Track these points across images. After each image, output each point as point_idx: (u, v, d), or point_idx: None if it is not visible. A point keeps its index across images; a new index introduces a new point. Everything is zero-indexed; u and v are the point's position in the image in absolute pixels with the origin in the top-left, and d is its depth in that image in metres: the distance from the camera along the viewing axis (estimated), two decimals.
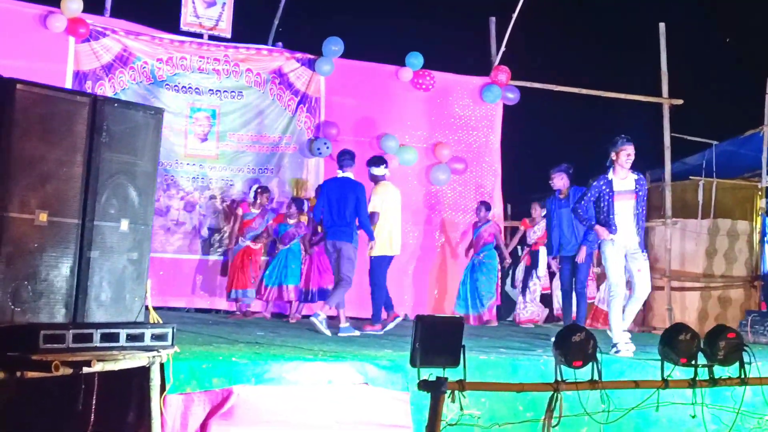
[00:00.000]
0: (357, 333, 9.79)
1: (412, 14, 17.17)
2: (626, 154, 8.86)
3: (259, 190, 12.00)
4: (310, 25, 14.90)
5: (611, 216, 8.82)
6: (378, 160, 10.93)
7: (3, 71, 5.70)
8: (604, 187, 8.86)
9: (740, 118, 15.40)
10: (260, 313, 11.97)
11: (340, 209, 9.98)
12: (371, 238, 10.17)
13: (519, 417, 7.15)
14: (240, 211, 11.94)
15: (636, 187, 8.93)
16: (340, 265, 10.03)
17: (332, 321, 10.06)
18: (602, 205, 8.87)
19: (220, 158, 12.61)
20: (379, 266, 10.66)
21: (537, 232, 12.91)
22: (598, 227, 8.83)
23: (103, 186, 5.85)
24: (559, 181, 10.53)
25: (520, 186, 14.83)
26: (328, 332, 9.58)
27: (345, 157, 10.30)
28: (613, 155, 8.89)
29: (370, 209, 10.48)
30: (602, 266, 12.30)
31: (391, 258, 10.74)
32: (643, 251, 8.94)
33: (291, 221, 11.89)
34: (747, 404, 7.12)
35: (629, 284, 8.94)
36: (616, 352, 8.65)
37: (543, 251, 12.86)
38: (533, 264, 12.99)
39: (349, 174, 10.20)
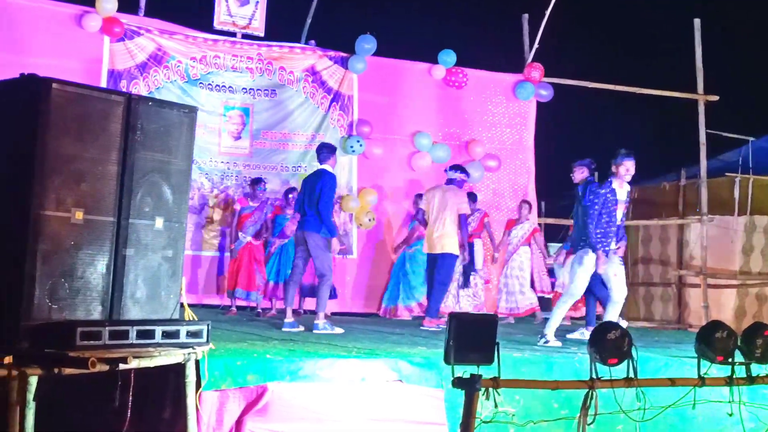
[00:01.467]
0: (300, 328, 9.57)
1: (445, 12, 17.18)
2: (625, 168, 8.94)
3: (254, 183, 11.87)
4: (343, 23, 14.92)
5: (612, 224, 8.93)
6: (453, 167, 11.18)
7: (39, 70, 5.75)
8: (609, 195, 8.95)
9: None
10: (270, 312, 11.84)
11: (310, 200, 9.86)
12: (330, 233, 9.89)
13: (554, 414, 7.12)
14: (238, 207, 11.77)
15: (627, 198, 9.14)
16: (313, 257, 9.87)
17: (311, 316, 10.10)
18: (605, 213, 8.95)
19: (253, 156, 12.65)
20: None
21: (471, 223, 12.50)
22: (601, 254, 8.85)
23: (137, 184, 5.89)
24: (579, 175, 10.41)
25: (555, 183, 14.77)
26: (339, 330, 9.61)
27: (323, 151, 10.13)
28: (613, 168, 8.99)
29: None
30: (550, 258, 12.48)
31: (426, 255, 10.93)
32: (617, 255, 9.16)
33: (289, 212, 11.73)
34: None
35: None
36: (545, 342, 8.93)
37: (478, 243, 12.69)
38: (470, 257, 12.54)
39: (325, 166, 10.00)
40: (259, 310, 11.72)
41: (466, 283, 12.52)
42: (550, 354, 8.07)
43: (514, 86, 13.81)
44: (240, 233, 11.63)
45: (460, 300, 12.50)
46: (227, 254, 11.97)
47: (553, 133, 14.68)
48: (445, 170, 11.31)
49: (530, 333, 10.57)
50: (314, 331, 9.48)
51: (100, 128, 5.70)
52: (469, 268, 12.41)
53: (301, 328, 9.54)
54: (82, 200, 5.58)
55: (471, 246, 12.44)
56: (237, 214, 11.73)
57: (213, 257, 12.31)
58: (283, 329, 9.44)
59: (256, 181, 11.87)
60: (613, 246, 8.94)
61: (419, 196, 12.35)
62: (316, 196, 9.74)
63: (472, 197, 12.60)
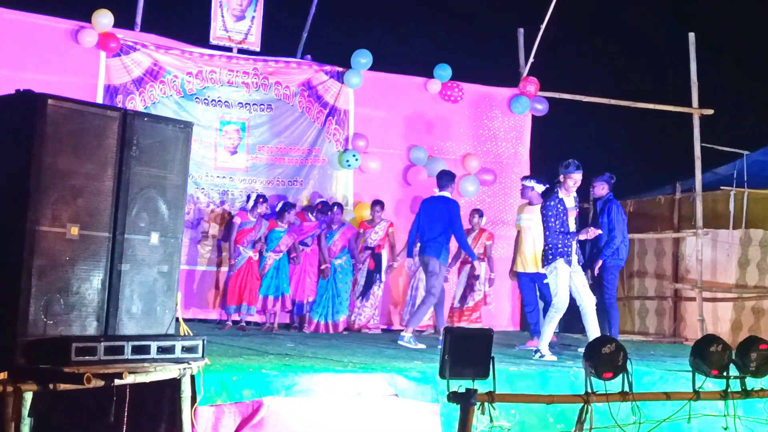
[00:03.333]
0: (421, 346, 9.85)
1: (441, 26, 17.20)
2: (573, 181, 9.23)
3: (260, 200, 11.74)
4: (339, 37, 14.96)
5: (568, 233, 9.12)
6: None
7: (35, 86, 5.77)
8: (559, 206, 9.19)
9: None
10: (265, 326, 11.77)
11: (432, 225, 10.25)
12: (471, 255, 10.58)
13: (549, 429, 7.13)
14: (238, 220, 11.65)
15: (575, 204, 9.35)
16: (426, 277, 10.34)
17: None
18: (558, 223, 9.17)
19: (249, 171, 12.67)
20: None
21: (378, 232, 12.33)
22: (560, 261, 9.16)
23: (133, 199, 5.91)
24: (600, 191, 10.53)
25: None
26: (421, 345, 9.87)
27: (443, 178, 10.57)
28: (561, 177, 9.25)
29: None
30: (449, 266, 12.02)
31: (525, 274, 10.73)
32: (580, 264, 9.35)
33: (283, 226, 11.70)
34: None
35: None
36: (540, 357, 9.05)
37: (386, 254, 12.43)
38: (377, 267, 12.32)
39: (445, 193, 10.44)
40: (243, 324, 11.68)
41: (365, 294, 12.31)
42: (545, 368, 8.07)
43: (509, 100, 13.85)
44: (241, 247, 11.60)
45: (361, 311, 12.33)
46: (224, 269, 11.94)
47: (548, 147, 14.70)
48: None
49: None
50: (398, 342, 9.92)
51: (96, 144, 5.72)
52: (373, 278, 12.28)
53: (421, 346, 9.87)
54: (78, 216, 5.60)
55: (379, 256, 12.36)
56: (236, 229, 11.66)
57: (207, 272, 12.28)
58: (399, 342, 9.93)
59: (264, 199, 11.80)
60: (573, 256, 9.11)
61: (337, 204, 12.30)
62: (442, 225, 10.20)
63: (379, 205, 12.41)
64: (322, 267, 12.00)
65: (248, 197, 12.03)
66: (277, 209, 11.87)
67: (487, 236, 12.43)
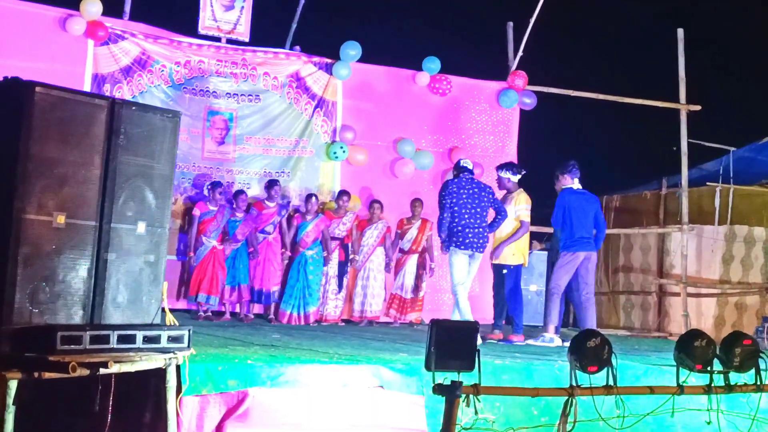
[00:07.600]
0: (553, 344, 9.90)
1: (430, 19, 17.22)
2: None
3: (210, 186, 11.76)
4: (328, 28, 14.95)
5: None
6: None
7: (22, 74, 5.74)
8: None
9: (758, 125, 15.37)
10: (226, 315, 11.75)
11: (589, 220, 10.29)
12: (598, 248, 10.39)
13: (534, 422, 7.15)
14: (197, 212, 11.58)
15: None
16: (591, 273, 10.27)
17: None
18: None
19: (237, 161, 12.64)
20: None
21: (347, 224, 12.30)
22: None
23: (120, 188, 5.89)
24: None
25: (537, 191, 14.79)
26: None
27: (576, 167, 10.41)
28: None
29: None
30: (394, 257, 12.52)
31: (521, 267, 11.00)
32: None
33: (239, 215, 11.68)
34: (762, 411, 7.10)
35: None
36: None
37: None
38: (347, 258, 12.40)
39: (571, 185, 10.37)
40: (209, 314, 11.62)
41: (340, 286, 12.30)
42: (530, 361, 8.10)
43: (497, 94, 13.86)
44: (204, 237, 11.54)
45: (339, 303, 12.32)
46: (188, 259, 11.78)
47: (535, 141, 14.73)
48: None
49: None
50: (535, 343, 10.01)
51: (83, 132, 5.69)
52: (345, 270, 12.31)
53: (553, 344, 9.91)
54: (65, 204, 5.58)
55: (347, 247, 12.38)
56: (198, 219, 11.60)
57: (174, 261, 12.14)
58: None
59: (216, 185, 11.78)
60: None
61: (311, 195, 12.28)
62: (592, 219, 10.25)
63: (346, 195, 12.37)
64: (282, 252, 11.96)
65: (205, 186, 12.02)
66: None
67: (429, 226, 12.43)
